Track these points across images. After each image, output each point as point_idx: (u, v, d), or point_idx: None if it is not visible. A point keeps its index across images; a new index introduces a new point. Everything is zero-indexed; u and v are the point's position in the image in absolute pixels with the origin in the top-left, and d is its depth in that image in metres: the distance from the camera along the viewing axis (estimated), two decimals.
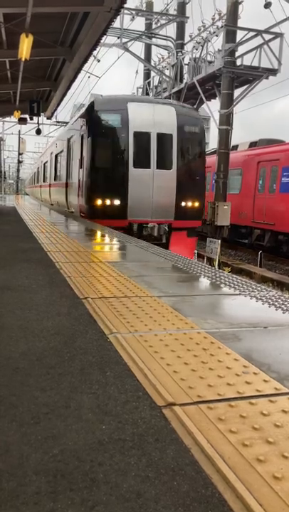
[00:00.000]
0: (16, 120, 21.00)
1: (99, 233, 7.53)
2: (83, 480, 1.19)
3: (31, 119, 18.80)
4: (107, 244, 6.20)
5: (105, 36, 11.87)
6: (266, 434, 1.42)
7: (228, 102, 14.60)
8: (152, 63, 20.35)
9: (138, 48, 21.10)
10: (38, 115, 17.71)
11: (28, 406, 1.57)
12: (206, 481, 1.20)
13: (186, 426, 1.45)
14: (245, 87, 15.12)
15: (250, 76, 14.69)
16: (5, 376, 1.81)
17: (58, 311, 2.74)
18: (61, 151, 15.93)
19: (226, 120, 14.75)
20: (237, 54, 14.60)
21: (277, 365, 1.98)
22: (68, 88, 16.16)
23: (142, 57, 20.13)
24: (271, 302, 3.07)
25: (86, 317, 2.64)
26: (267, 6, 14.47)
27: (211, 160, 16.12)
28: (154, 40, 19.54)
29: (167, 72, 18.78)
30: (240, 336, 2.37)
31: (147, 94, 20.23)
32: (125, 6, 9.29)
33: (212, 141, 29.61)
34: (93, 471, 1.23)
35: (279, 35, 14.24)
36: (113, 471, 1.23)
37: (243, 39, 14.40)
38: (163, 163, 10.73)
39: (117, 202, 10.52)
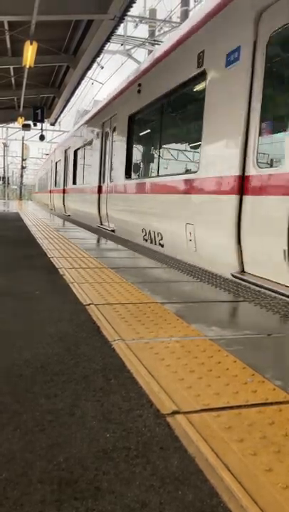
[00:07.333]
0: (20, 126, 21.15)
1: (102, 239, 7.54)
2: (88, 489, 1.19)
3: (35, 125, 18.94)
4: (111, 250, 6.21)
5: (109, 43, 11.97)
6: (273, 443, 1.41)
7: None
8: None
9: (141, 54, 21.26)
10: (42, 121, 17.84)
11: (32, 413, 1.57)
12: (211, 490, 1.19)
13: (190, 434, 1.44)
14: None
15: None
16: (9, 383, 1.81)
17: (62, 318, 2.74)
18: None
19: None
20: None
21: (284, 373, 1.97)
22: (72, 95, 16.31)
23: None
24: (275, 310, 3.07)
25: (90, 323, 2.63)
26: None
27: None
28: (157, 47, 19.68)
29: None
30: (245, 343, 2.36)
31: None
32: (129, 13, 9.36)
33: None
34: (98, 479, 1.22)
35: None
36: (118, 480, 1.22)
37: None
38: None
39: None
